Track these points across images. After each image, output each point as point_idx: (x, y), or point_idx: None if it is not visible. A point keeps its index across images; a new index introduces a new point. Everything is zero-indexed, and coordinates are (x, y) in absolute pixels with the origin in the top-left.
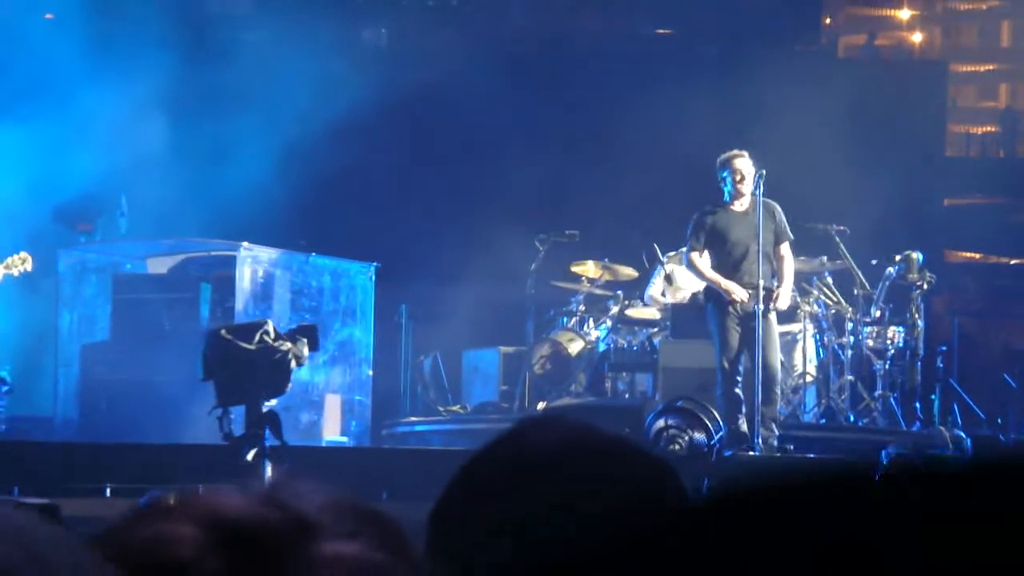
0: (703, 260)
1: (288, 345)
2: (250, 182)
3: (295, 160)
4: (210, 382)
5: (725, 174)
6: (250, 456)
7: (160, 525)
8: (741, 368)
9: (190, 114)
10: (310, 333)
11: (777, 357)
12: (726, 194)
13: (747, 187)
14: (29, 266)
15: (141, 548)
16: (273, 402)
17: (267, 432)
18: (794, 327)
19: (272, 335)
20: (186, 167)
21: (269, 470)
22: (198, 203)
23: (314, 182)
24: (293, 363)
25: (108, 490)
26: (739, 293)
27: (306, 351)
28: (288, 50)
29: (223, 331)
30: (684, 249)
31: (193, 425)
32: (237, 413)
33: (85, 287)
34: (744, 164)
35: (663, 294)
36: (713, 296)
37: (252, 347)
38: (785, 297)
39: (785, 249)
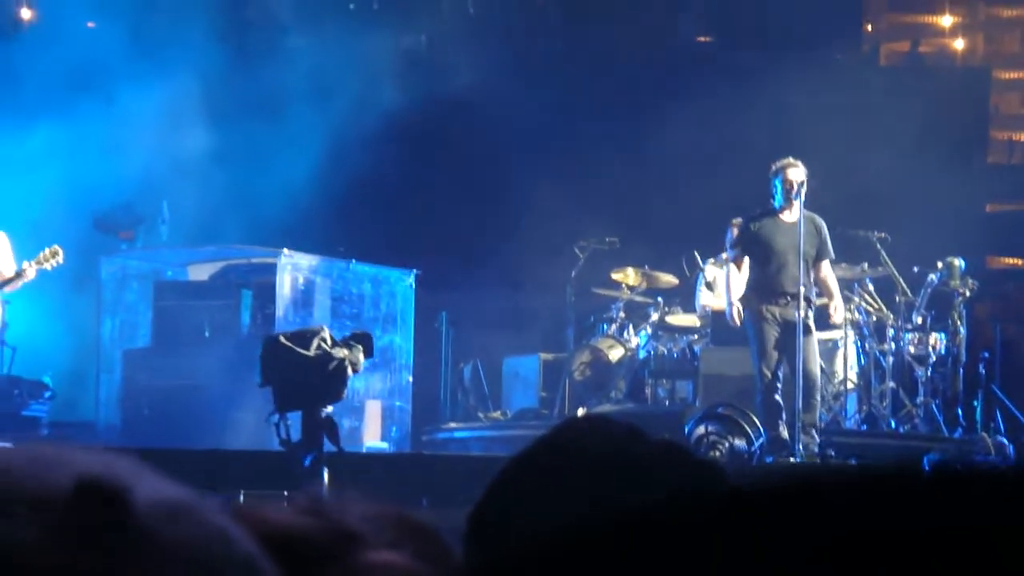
0: (735, 271)
1: (344, 352)
2: (291, 189)
3: (335, 166)
4: (261, 388)
5: (777, 182)
6: (308, 462)
7: None
8: (780, 375)
9: (231, 120)
10: (365, 340)
11: (817, 364)
12: (776, 202)
13: (797, 196)
14: (61, 259)
15: None
16: (329, 409)
17: (324, 439)
18: (836, 334)
19: (329, 342)
20: (227, 174)
21: (327, 477)
22: (239, 210)
23: (354, 189)
24: (350, 370)
25: None
26: (736, 320)
27: (362, 358)
28: (328, 57)
29: (282, 337)
30: (724, 255)
31: (235, 431)
32: (293, 419)
33: (127, 294)
34: (796, 174)
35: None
36: (751, 304)
37: (310, 354)
38: (840, 311)
39: (826, 266)
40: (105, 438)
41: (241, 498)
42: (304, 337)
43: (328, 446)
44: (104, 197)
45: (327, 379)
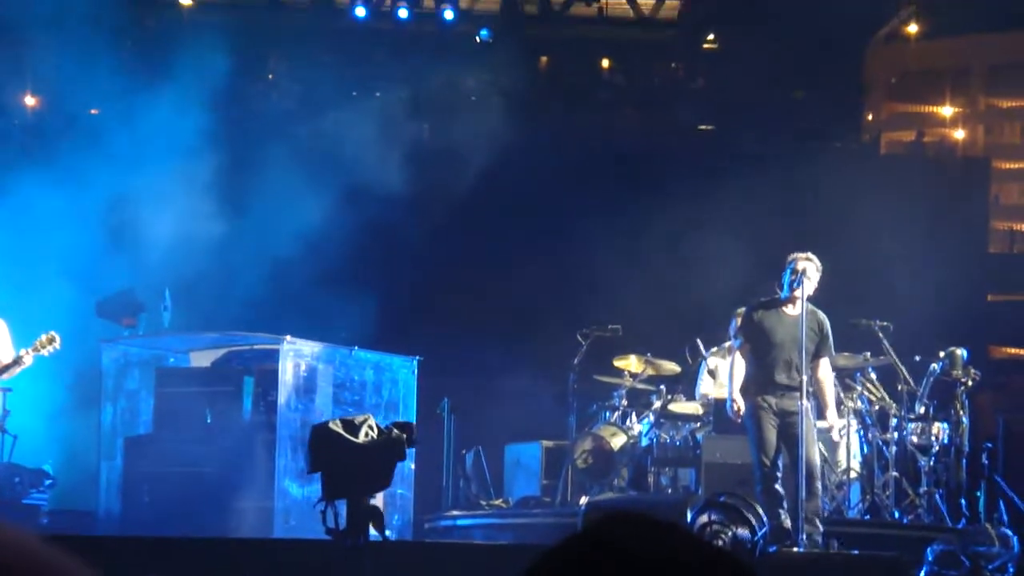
0: (739, 362)
1: (391, 441)
2: (293, 274)
3: (337, 252)
4: (309, 475)
5: (787, 271)
6: (355, 549)
7: None
8: (780, 464)
9: (233, 206)
10: (408, 429)
11: (816, 452)
12: (783, 292)
13: (804, 289)
14: (58, 344)
15: None
16: (375, 498)
17: (370, 527)
18: (838, 423)
19: (376, 430)
20: (229, 260)
21: (370, 565)
22: (241, 296)
23: (357, 275)
24: (397, 459)
25: None
26: (735, 413)
27: (405, 447)
28: (330, 143)
29: (332, 425)
30: (727, 344)
31: (237, 518)
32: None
33: (128, 381)
34: (807, 266)
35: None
36: (749, 393)
37: (359, 441)
38: (833, 418)
39: (824, 364)
40: (106, 526)
41: None
42: (353, 425)
43: (375, 535)
44: (106, 284)
45: (376, 467)
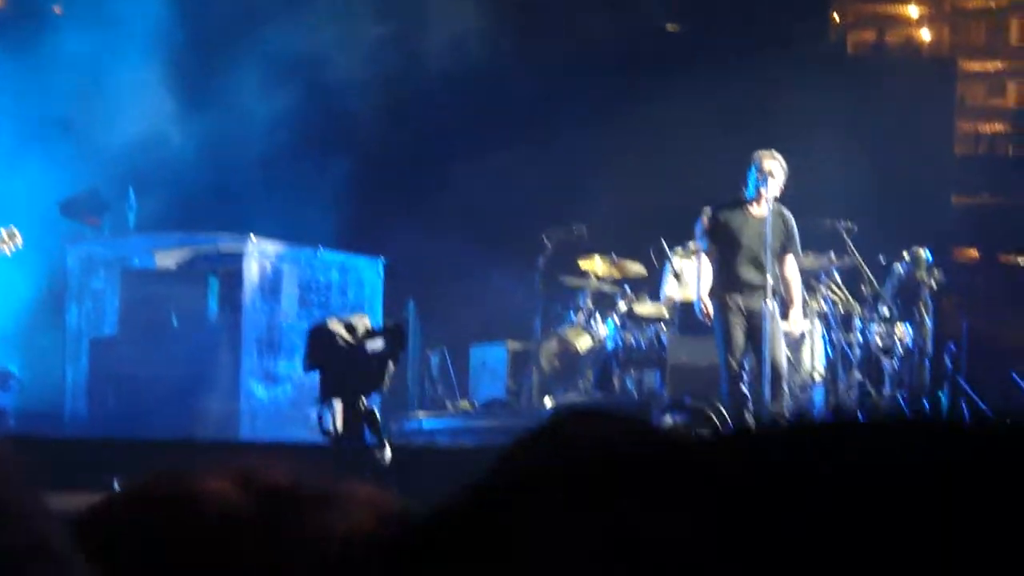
0: (706, 264)
1: (388, 342)
2: (258, 175)
3: (302, 153)
4: (306, 373)
5: (752, 170)
6: (350, 452)
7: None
8: (746, 365)
9: (199, 106)
10: (399, 332)
11: (783, 354)
12: (748, 191)
13: (769, 189)
14: (19, 240)
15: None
16: (368, 398)
17: (366, 430)
18: (804, 325)
19: (372, 331)
20: (195, 160)
21: (371, 468)
22: (206, 196)
23: (323, 176)
24: (391, 362)
25: (116, 484)
26: (705, 315)
27: (399, 349)
28: (297, 42)
29: (331, 324)
30: (692, 245)
31: (201, 420)
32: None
33: (93, 281)
34: (772, 165)
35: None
36: (716, 294)
37: (356, 343)
38: (797, 320)
39: (790, 262)
40: (71, 427)
41: None
42: (351, 325)
43: (371, 437)
44: (70, 184)
45: (372, 369)
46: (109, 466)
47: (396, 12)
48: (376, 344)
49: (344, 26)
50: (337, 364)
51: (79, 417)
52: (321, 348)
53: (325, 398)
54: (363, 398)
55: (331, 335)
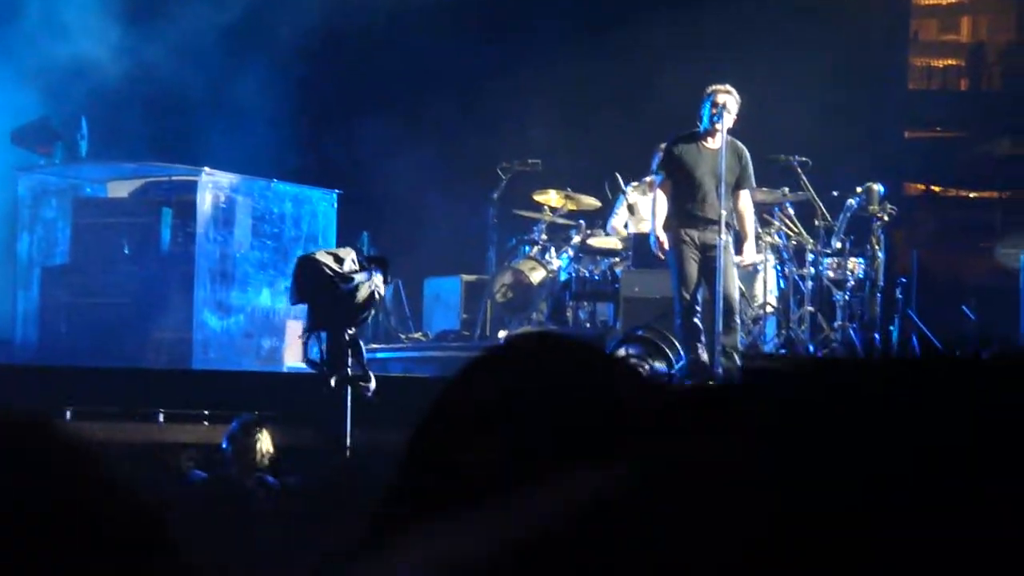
0: (661, 198)
1: (371, 275)
2: (211, 107)
3: (254, 85)
4: (294, 305)
5: (707, 104)
6: (333, 382)
7: None
8: (699, 298)
9: (151, 35)
10: (383, 264)
11: (736, 287)
12: (702, 125)
13: (724, 123)
14: None
15: None
16: (353, 330)
17: (349, 359)
18: (756, 257)
19: (358, 265)
20: (147, 89)
21: (350, 397)
22: (159, 126)
23: (274, 108)
24: (377, 294)
25: (68, 413)
26: (660, 249)
27: (382, 282)
28: None
29: (318, 256)
30: (647, 179)
31: (154, 348)
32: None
33: (44, 210)
34: (727, 99)
35: (626, 225)
36: (671, 227)
37: (344, 274)
38: (751, 252)
39: (744, 196)
40: (22, 355)
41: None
42: (338, 258)
43: (355, 366)
44: (21, 113)
45: (358, 300)
46: (60, 394)
47: None
48: (362, 276)
49: None
50: (324, 296)
51: (29, 345)
52: (309, 281)
53: (312, 328)
54: (348, 329)
55: (318, 267)
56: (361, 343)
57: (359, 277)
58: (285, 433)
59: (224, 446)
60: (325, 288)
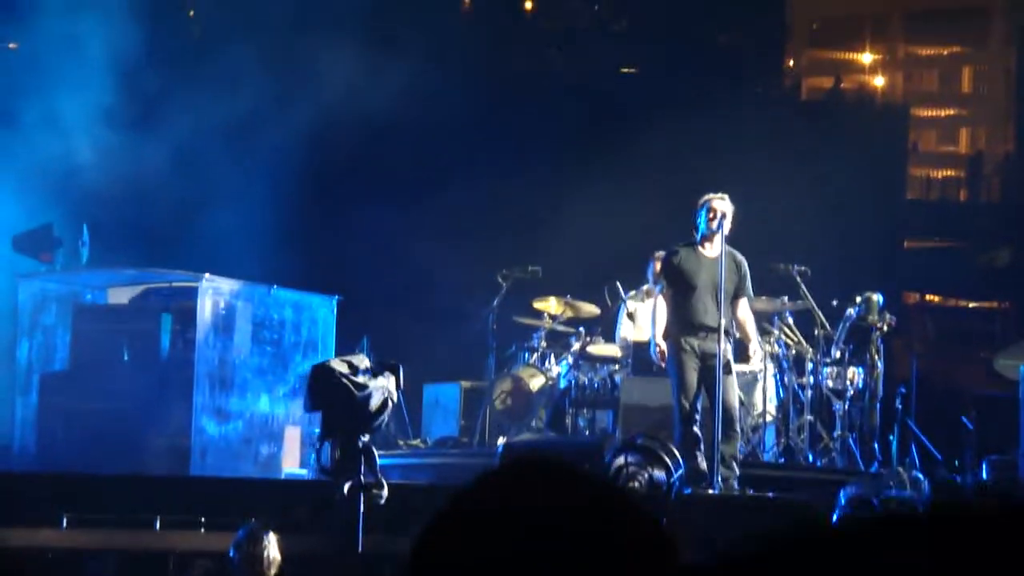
0: (662, 306)
1: (384, 381)
2: (213, 213)
3: (258, 192)
4: (309, 413)
5: (702, 213)
6: (346, 489)
7: None
8: (699, 407)
9: (154, 144)
10: (395, 371)
11: (736, 396)
12: (699, 234)
13: (722, 230)
14: None
15: None
16: (366, 437)
17: (362, 466)
18: (755, 366)
19: (371, 371)
20: (149, 197)
21: (363, 504)
22: (161, 234)
23: (277, 215)
24: (390, 400)
25: (65, 520)
26: (658, 357)
27: (395, 388)
28: (251, 82)
29: (333, 364)
30: (645, 287)
31: (152, 455)
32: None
33: (45, 316)
34: (721, 205)
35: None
36: (671, 336)
37: (359, 381)
38: (757, 354)
39: (743, 305)
40: (20, 462)
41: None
42: (352, 365)
43: (367, 474)
44: (24, 219)
45: (371, 407)
46: (58, 501)
47: (351, 57)
48: (376, 383)
49: (298, 69)
50: (339, 403)
51: (27, 451)
52: (323, 388)
53: (327, 436)
54: (362, 436)
55: (333, 374)
56: (374, 450)
57: (373, 384)
58: (291, 540)
59: (231, 554)
60: (339, 395)
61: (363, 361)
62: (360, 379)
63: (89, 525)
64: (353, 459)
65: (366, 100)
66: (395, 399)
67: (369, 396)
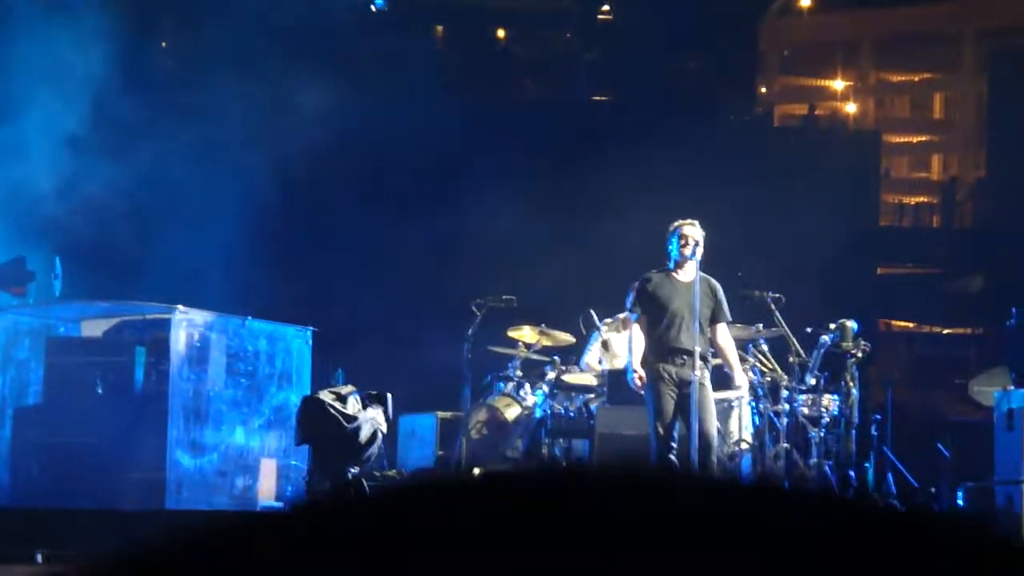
0: (638, 334)
1: (374, 413)
2: (186, 246)
3: (231, 224)
4: (298, 447)
5: (674, 240)
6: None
7: None
8: (676, 434)
9: (127, 177)
10: (384, 402)
11: (713, 424)
12: (671, 260)
13: (696, 255)
14: None
15: None
16: (356, 469)
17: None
18: (730, 394)
19: (360, 402)
20: (122, 230)
21: None
22: (133, 266)
23: (250, 247)
24: (379, 431)
25: (40, 556)
26: (637, 383)
27: (383, 420)
28: (225, 113)
29: (323, 397)
30: (621, 316)
31: (127, 489)
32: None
33: (18, 350)
34: (692, 231)
35: (600, 361)
36: (648, 363)
37: (350, 413)
38: (741, 376)
39: (722, 329)
40: None
41: None
42: (340, 396)
43: None
44: None
45: (362, 440)
46: (32, 536)
47: (325, 89)
48: (366, 414)
49: (277, 100)
50: (328, 437)
51: (1, 486)
52: (313, 421)
53: (319, 469)
54: (352, 468)
55: (323, 407)
56: (364, 482)
57: (362, 416)
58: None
59: None
60: (329, 428)
61: (352, 392)
62: (349, 411)
63: (64, 560)
64: (345, 492)
65: (339, 131)
66: (384, 430)
67: (359, 428)
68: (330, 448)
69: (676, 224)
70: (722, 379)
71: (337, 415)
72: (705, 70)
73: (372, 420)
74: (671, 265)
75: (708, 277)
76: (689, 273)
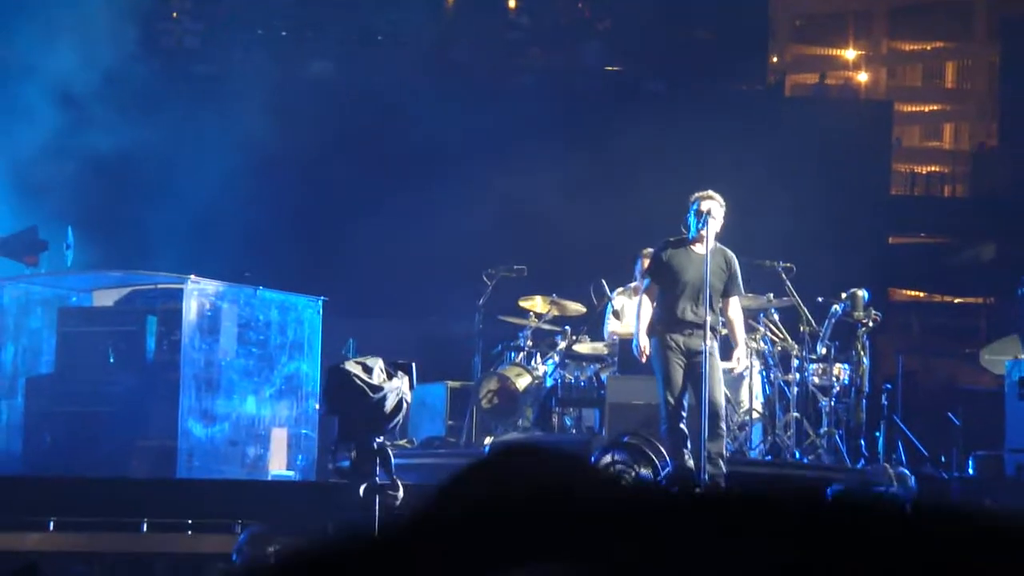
0: (647, 303)
1: (399, 383)
2: (198, 215)
3: (243, 194)
4: (327, 417)
5: (692, 211)
6: (362, 491)
7: None
8: (685, 404)
9: (138, 146)
10: (409, 371)
11: (722, 393)
12: (690, 232)
13: (709, 229)
14: None
15: None
16: (380, 439)
17: (377, 468)
18: (726, 365)
19: (385, 372)
20: (134, 199)
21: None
22: (145, 236)
23: (262, 216)
24: (404, 401)
25: (52, 524)
26: (642, 357)
27: (408, 389)
28: (237, 83)
29: (349, 367)
30: (633, 284)
31: (138, 458)
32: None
33: (30, 320)
34: (711, 205)
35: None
36: (656, 332)
37: (376, 383)
38: (743, 357)
39: (734, 303)
40: (6, 466)
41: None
42: (366, 367)
43: (382, 475)
44: (7, 222)
45: (387, 409)
46: (44, 504)
47: (336, 54)
48: (391, 384)
49: (284, 67)
50: (355, 406)
51: (13, 455)
52: (340, 392)
53: (344, 439)
54: (377, 438)
55: (349, 378)
56: (389, 451)
57: (388, 386)
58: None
59: (233, 559)
60: (355, 398)
61: (377, 362)
62: (375, 381)
63: (76, 529)
64: (368, 461)
65: (350, 99)
66: (409, 400)
67: (384, 398)
68: (357, 418)
69: (695, 196)
70: (728, 349)
71: (363, 385)
72: (716, 40)
73: (398, 390)
74: (690, 237)
75: (725, 249)
76: (705, 243)
